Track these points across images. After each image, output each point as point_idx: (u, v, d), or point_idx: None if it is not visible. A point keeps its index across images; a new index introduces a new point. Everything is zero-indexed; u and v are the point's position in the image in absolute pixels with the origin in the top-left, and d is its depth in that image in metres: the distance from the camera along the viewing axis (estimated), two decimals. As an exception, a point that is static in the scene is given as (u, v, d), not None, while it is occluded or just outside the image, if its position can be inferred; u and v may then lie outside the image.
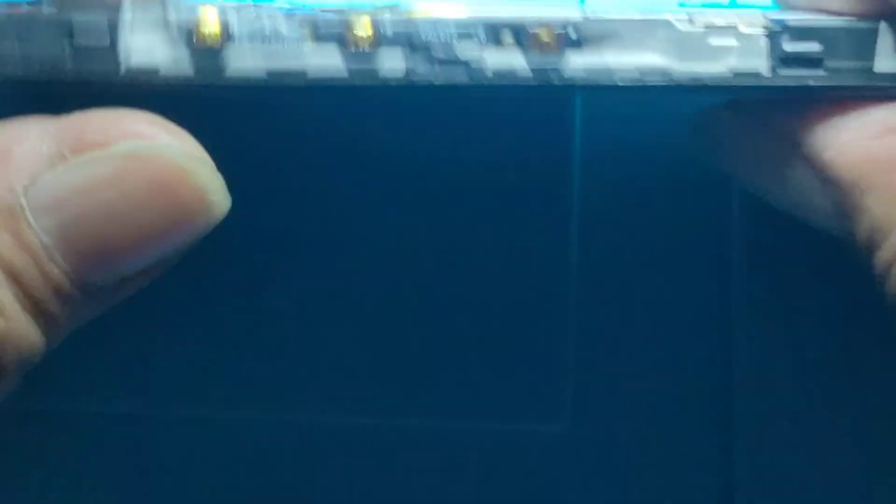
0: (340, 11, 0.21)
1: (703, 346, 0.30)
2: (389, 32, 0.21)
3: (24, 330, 0.20)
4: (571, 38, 0.21)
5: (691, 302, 0.30)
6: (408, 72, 0.21)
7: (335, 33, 0.21)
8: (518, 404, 0.30)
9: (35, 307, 0.20)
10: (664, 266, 0.30)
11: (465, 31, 0.21)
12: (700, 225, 0.30)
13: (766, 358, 0.30)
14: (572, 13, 0.21)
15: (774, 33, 0.22)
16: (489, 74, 0.21)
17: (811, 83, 0.22)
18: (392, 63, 0.21)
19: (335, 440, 0.31)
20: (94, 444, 0.30)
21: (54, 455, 0.30)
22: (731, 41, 0.22)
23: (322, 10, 0.21)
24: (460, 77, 0.21)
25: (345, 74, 0.21)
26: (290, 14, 0.21)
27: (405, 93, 0.21)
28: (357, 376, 0.30)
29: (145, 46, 0.21)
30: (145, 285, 0.22)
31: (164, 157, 0.20)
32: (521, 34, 0.21)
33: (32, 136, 0.20)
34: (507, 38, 0.21)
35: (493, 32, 0.21)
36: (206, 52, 0.21)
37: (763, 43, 0.22)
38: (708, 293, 0.30)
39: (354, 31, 0.21)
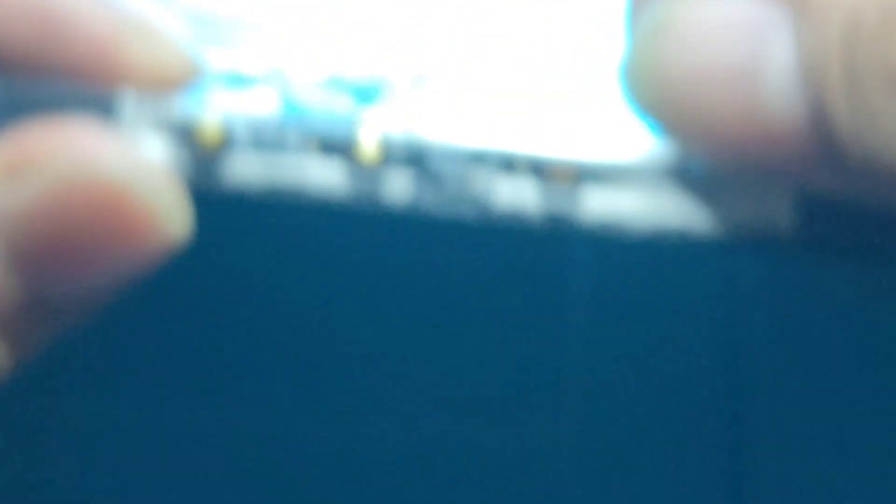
0: (349, 126, 0.20)
1: (706, 346, 0.30)
2: (398, 155, 0.20)
3: None
4: (588, 177, 0.20)
5: (695, 302, 0.30)
6: (414, 198, 0.20)
7: (341, 150, 0.20)
8: (519, 405, 0.30)
9: None
10: (665, 266, 0.29)
11: (478, 161, 0.20)
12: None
13: (770, 357, 0.30)
14: (590, 152, 0.21)
15: None
16: (499, 210, 0.20)
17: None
18: (398, 187, 0.20)
19: (336, 442, 0.30)
20: (95, 444, 0.30)
21: (55, 455, 0.29)
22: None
23: (330, 123, 0.20)
24: (469, 211, 0.20)
25: (347, 193, 0.20)
26: (296, 124, 0.20)
27: (409, 218, 0.20)
28: (358, 378, 0.30)
29: (143, 144, 0.21)
30: (113, 299, 0.21)
31: (106, 178, 0.19)
32: (537, 169, 0.20)
33: None
34: (522, 171, 0.20)
35: (507, 165, 0.20)
36: (206, 157, 0.20)
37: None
38: (711, 292, 0.30)
39: (361, 150, 0.20)
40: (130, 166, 0.19)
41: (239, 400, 0.30)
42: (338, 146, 0.20)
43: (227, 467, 0.30)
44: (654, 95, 0.19)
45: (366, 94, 0.24)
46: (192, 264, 0.21)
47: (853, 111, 0.17)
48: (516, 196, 0.20)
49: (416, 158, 0.20)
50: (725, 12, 0.18)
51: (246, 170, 0.20)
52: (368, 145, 0.20)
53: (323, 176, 0.20)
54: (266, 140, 0.20)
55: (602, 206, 0.20)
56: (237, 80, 0.24)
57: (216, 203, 0.20)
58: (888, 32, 0.17)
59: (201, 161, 0.20)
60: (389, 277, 0.29)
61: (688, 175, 0.20)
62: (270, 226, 0.28)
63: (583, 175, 0.20)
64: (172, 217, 0.20)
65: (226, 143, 0.20)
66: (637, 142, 0.21)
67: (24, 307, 0.20)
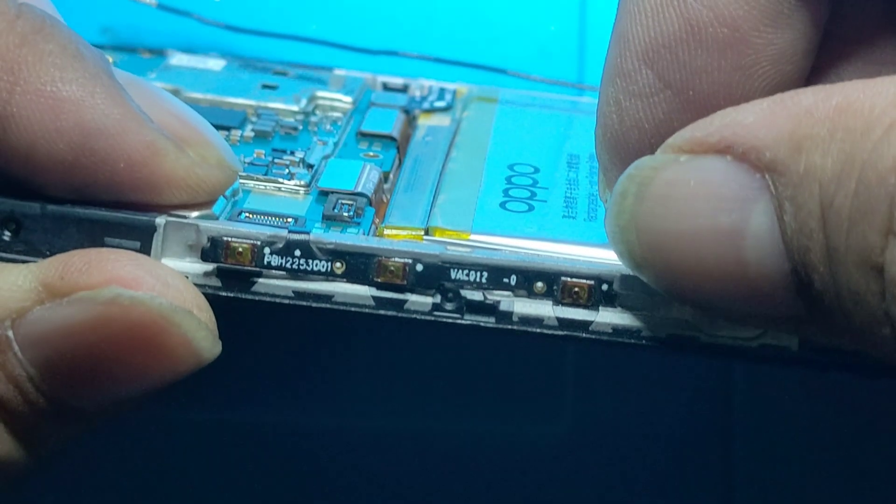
0: (374, 252, 0.21)
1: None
2: (420, 273, 0.21)
3: (8, 449, 0.21)
4: (605, 294, 0.21)
5: None
6: (434, 308, 0.21)
7: (366, 274, 0.21)
8: (519, 406, 0.31)
9: (20, 431, 0.21)
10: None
11: (498, 277, 0.21)
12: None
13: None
14: (608, 270, 0.21)
15: None
16: (516, 320, 0.21)
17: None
18: (420, 299, 0.21)
19: (338, 441, 0.31)
20: (94, 444, 0.30)
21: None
22: None
23: (355, 247, 0.21)
24: (487, 321, 0.21)
25: (371, 303, 0.21)
26: (322, 249, 0.21)
27: (429, 327, 0.21)
28: (359, 378, 0.31)
29: (174, 258, 0.21)
30: (136, 408, 0.22)
31: (146, 307, 0.20)
32: (555, 285, 0.21)
33: (15, 273, 0.20)
34: (540, 287, 0.21)
35: (526, 280, 0.21)
36: (235, 273, 0.21)
37: None
38: None
39: (386, 272, 0.21)
40: (167, 294, 0.20)
41: (237, 398, 0.30)
42: (362, 272, 0.21)
43: (225, 463, 0.31)
44: (639, 254, 0.19)
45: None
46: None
47: (836, 287, 0.18)
48: (534, 311, 0.21)
49: (436, 280, 0.21)
50: (705, 178, 0.18)
51: (273, 284, 0.21)
52: (391, 271, 0.21)
53: (347, 295, 0.21)
54: (294, 264, 0.21)
55: (615, 318, 0.21)
56: (269, 149, 0.25)
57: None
58: (861, 218, 0.17)
59: (230, 275, 0.21)
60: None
61: None
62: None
63: (598, 294, 0.21)
64: (205, 341, 0.20)
65: (255, 264, 0.21)
66: None
67: (49, 415, 0.21)
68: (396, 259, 0.21)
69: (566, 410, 0.31)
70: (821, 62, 0.21)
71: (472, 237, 0.22)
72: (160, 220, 0.21)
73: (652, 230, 0.19)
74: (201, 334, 0.20)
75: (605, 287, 0.21)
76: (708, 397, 0.31)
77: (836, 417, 0.30)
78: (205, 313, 0.21)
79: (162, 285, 0.20)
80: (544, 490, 0.31)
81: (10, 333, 0.20)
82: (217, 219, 0.22)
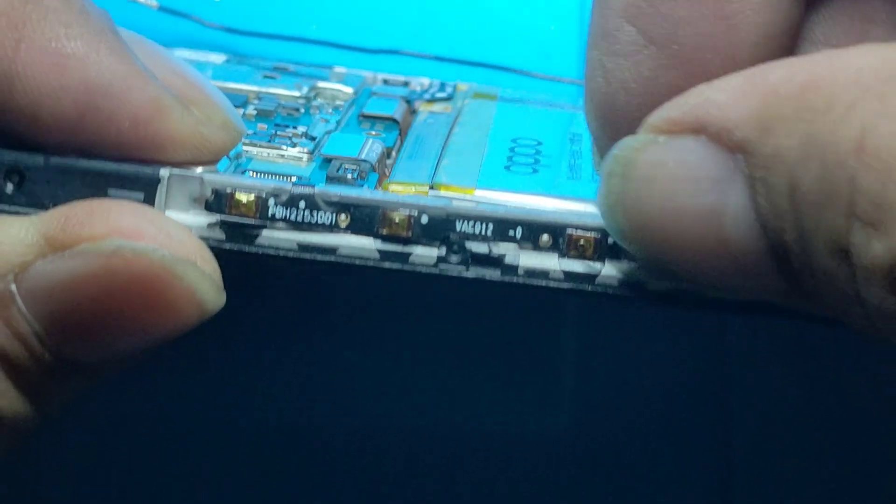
0: (378, 203, 0.21)
1: (701, 346, 0.30)
2: (426, 226, 0.21)
3: (15, 405, 0.21)
4: (611, 247, 0.21)
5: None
6: (439, 261, 0.21)
7: (371, 226, 0.21)
8: (519, 405, 0.31)
9: (26, 385, 0.21)
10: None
11: (503, 230, 0.21)
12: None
13: (763, 357, 0.30)
14: None
15: None
16: (521, 273, 0.21)
17: None
18: (424, 251, 0.21)
19: (338, 441, 0.31)
20: (95, 444, 0.30)
21: (56, 455, 0.30)
22: None
23: (360, 199, 0.21)
24: (492, 273, 0.21)
25: (376, 256, 0.21)
26: (327, 202, 0.21)
27: (434, 280, 0.21)
28: (359, 378, 0.31)
29: (178, 210, 0.21)
30: (142, 360, 0.22)
31: (149, 259, 0.20)
32: (560, 238, 0.21)
33: (16, 227, 0.20)
34: (545, 240, 0.21)
35: (531, 233, 0.21)
36: (239, 226, 0.21)
37: None
38: None
39: (391, 224, 0.21)
40: (170, 244, 0.20)
41: (233, 396, 0.30)
42: (367, 224, 0.21)
43: (221, 460, 0.30)
44: (626, 229, 0.19)
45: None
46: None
47: (810, 268, 0.18)
48: (540, 264, 0.21)
49: (442, 233, 0.21)
50: (683, 159, 0.19)
51: (278, 236, 0.21)
52: (396, 223, 0.21)
53: (352, 247, 0.21)
54: (299, 218, 0.21)
55: (620, 272, 0.21)
56: (272, 124, 0.25)
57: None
58: (826, 201, 0.17)
59: (234, 227, 0.21)
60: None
61: None
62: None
63: (604, 246, 0.21)
64: (209, 292, 0.20)
65: (259, 218, 0.21)
66: None
67: (55, 370, 0.20)
68: (401, 211, 0.21)
69: (564, 408, 0.31)
70: (812, 13, 0.21)
71: (477, 193, 0.22)
72: (164, 172, 0.21)
73: (637, 210, 0.19)
74: (205, 285, 0.20)
75: (610, 240, 0.21)
76: (705, 399, 0.31)
77: (834, 411, 0.30)
78: (209, 264, 0.21)
79: (165, 236, 0.20)
80: (541, 490, 0.31)
81: (13, 288, 0.20)
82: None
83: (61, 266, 0.20)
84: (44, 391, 0.21)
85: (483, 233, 0.21)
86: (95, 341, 0.20)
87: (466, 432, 0.31)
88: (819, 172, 0.17)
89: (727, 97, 0.18)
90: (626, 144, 0.19)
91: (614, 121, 0.20)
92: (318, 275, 0.23)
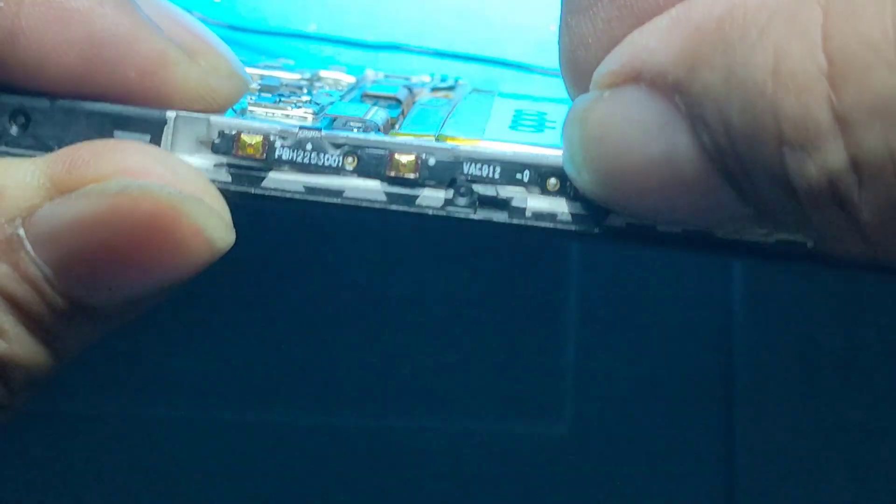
0: (386, 146, 0.21)
1: (703, 347, 0.30)
2: (433, 168, 0.21)
3: (30, 351, 0.20)
4: None
5: (692, 303, 0.30)
6: (446, 203, 0.21)
7: (378, 169, 0.21)
8: (519, 405, 0.31)
9: (40, 331, 0.20)
10: (664, 267, 0.30)
11: (511, 173, 0.21)
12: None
13: (766, 359, 0.30)
14: None
15: None
16: (529, 216, 0.21)
17: None
18: (431, 194, 0.21)
19: (337, 441, 0.31)
20: (95, 444, 0.30)
21: (55, 455, 0.30)
22: None
23: (367, 142, 0.21)
24: (499, 216, 0.21)
25: (383, 198, 0.21)
26: (334, 144, 0.21)
27: (441, 223, 0.21)
28: (359, 378, 0.30)
29: (185, 153, 0.21)
30: (156, 305, 0.21)
31: (155, 197, 0.20)
32: (568, 181, 0.21)
33: (22, 170, 0.20)
34: (552, 183, 0.21)
35: (539, 176, 0.21)
36: (246, 168, 0.21)
37: None
38: (709, 294, 0.30)
39: (398, 166, 0.21)
40: (178, 182, 0.20)
41: (228, 395, 0.30)
42: (374, 167, 0.21)
43: (216, 459, 0.30)
44: (591, 189, 0.20)
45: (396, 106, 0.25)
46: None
47: (764, 198, 0.18)
48: (547, 203, 0.21)
49: (449, 175, 0.21)
50: (627, 112, 0.19)
51: (284, 178, 0.21)
52: (403, 165, 0.21)
53: (359, 189, 0.21)
54: (306, 160, 0.21)
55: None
56: (277, 95, 0.25)
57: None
58: (755, 133, 0.17)
59: (241, 169, 0.21)
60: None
61: None
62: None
63: None
64: (218, 230, 0.20)
65: (266, 159, 0.21)
66: None
67: (68, 315, 0.20)
68: (409, 153, 0.21)
69: (566, 409, 0.31)
70: None
71: (483, 143, 0.22)
72: (171, 114, 0.21)
73: (598, 169, 0.19)
74: (213, 222, 0.20)
75: None
76: (708, 400, 0.31)
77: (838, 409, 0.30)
78: (217, 201, 0.21)
79: (171, 174, 0.20)
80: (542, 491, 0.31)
81: (22, 232, 0.20)
82: None
83: (68, 208, 0.20)
84: (58, 337, 0.21)
85: (490, 175, 0.21)
86: (106, 284, 0.20)
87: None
88: (742, 105, 0.17)
89: (656, 41, 0.18)
90: (578, 105, 0.20)
91: (579, 79, 0.20)
92: (322, 219, 0.23)
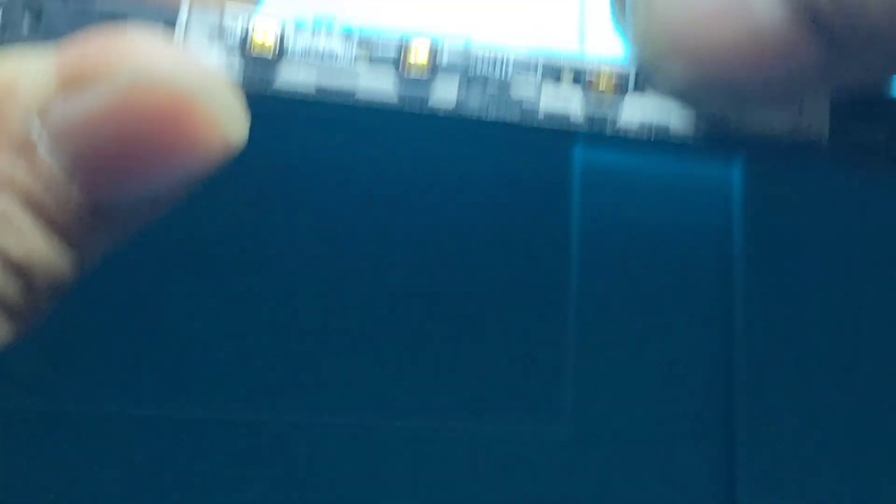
0: (398, 35, 0.21)
1: (704, 347, 0.30)
2: (446, 62, 0.21)
3: (51, 251, 0.20)
4: (630, 85, 0.21)
5: (692, 303, 0.30)
6: (458, 103, 0.21)
7: (391, 58, 0.21)
8: (519, 405, 0.30)
9: (58, 233, 0.20)
10: (665, 267, 0.30)
11: (523, 68, 0.21)
12: (702, 226, 0.30)
13: (767, 359, 0.30)
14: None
15: None
16: (541, 116, 0.21)
17: None
18: (444, 93, 0.21)
19: (335, 441, 0.30)
20: (95, 444, 0.30)
21: (56, 455, 0.30)
22: None
23: (380, 34, 0.21)
24: (513, 116, 0.21)
25: (394, 99, 0.21)
26: (347, 35, 0.21)
27: (454, 123, 0.21)
28: (357, 377, 0.30)
29: (197, 49, 0.21)
30: (171, 207, 0.21)
31: (168, 87, 0.19)
32: (580, 77, 0.21)
33: (34, 66, 0.20)
34: (566, 80, 0.21)
35: (552, 73, 0.21)
36: (258, 62, 0.21)
37: None
38: (709, 294, 0.30)
39: (410, 57, 0.21)
40: (191, 73, 0.19)
41: (223, 394, 0.30)
42: (388, 57, 0.21)
43: (212, 457, 0.30)
44: (661, 53, 0.19)
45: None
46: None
47: (849, 26, 0.18)
48: (561, 102, 0.21)
49: (463, 66, 0.21)
50: None
51: (297, 76, 0.21)
52: (417, 55, 0.21)
53: (372, 83, 0.21)
54: (318, 49, 0.21)
55: (642, 113, 0.21)
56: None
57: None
58: None
59: (254, 66, 0.21)
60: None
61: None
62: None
63: (625, 84, 0.21)
64: (232, 122, 0.20)
65: (278, 50, 0.21)
66: None
67: (86, 214, 0.20)
68: (421, 48, 0.21)
69: (566, 409, 0.31)
70: None
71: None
72: (184, 10, 0.21)
73: (668, 31, 0.19)
74: (227, 113, 0.20)
75: (632, 81, 0.21)
76: (709, 400, 0.31)
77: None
78: (230, 93, 0.20)
79: (183, 65, 0.20)
80: (542, 491, 0.30)
81: (38, 129, 0.19)
82: None
83: (81, 103, 0.19)
84: (76, 239, 0.20)
85: (503, 73, 0.21)
86: (122, 179, 0.20)
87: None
88: None
89: None
90: None
91: None
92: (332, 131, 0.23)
